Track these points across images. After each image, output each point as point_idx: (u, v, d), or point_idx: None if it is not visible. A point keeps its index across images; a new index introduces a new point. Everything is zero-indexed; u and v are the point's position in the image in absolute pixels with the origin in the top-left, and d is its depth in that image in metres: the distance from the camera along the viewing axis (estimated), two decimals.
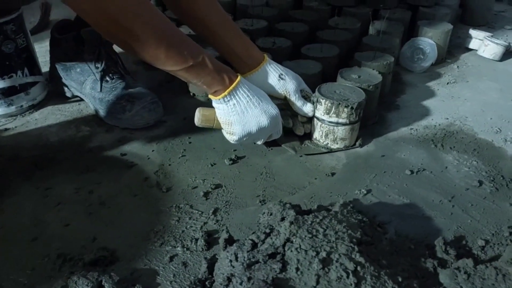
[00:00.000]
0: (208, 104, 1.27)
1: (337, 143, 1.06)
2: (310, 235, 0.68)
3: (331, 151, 1.06)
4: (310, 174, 1.00)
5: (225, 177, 0.97)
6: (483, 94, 1.34)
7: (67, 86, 1.18)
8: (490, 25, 1.81)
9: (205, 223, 0.85)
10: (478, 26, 1.75)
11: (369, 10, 1.53)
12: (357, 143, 1.08)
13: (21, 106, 1.15)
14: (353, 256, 0.66)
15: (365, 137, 1.10)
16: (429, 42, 1.42)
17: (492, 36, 1.56)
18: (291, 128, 1.08)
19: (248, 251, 0.67)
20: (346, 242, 0.68)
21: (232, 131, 0.93)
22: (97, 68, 1.10)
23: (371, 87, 1.09)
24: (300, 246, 0.66)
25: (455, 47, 1.60)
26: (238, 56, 1.00)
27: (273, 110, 0.94)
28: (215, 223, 0.85)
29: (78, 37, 1.08)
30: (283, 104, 1.06)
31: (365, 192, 0.94)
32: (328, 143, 1.06)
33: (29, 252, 0.77)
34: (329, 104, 1.01)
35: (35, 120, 1.15)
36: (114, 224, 0.84)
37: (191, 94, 1.26)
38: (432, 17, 1.53)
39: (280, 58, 1.18)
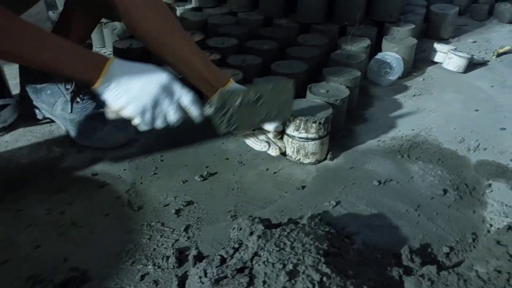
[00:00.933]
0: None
1: (308, 158, 1.08)
2: (277, 248, 0.70)
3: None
4: (281, 188, 1.02)
5: (196, 194, 0.98)
6: (447, 106, 1.39)
7: (38, 108, 1.18)
8: (453, 39, 1.88)
9: (176, 240, 0.85)
10: (441, 40, 1.82)
11: (336, 27, 1.58)
12: (328, 157, 1.11)
13: None
14: (319, 267, 0.67)
15: (335, 150, 1.13)
16: (395, 56, 1.47)
17: (455, 49, 1.63)
18: (266, 151, 1.09)
19: (217, 267, 0.69)
20: (313, 254, 0.70)
21: (129, 115, 0.86)
22: (67, 89, 1.11)
23: (338, 101, 1.13)
24: (267, 259, 0.68)
25: (420, 61, 1.66)
26: (206, 80, 1.02)
27: (161, 76, 0.87)
28: (186, 240, 0.86)
29: None
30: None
31: (334, 204, 0.97)
32: (300, 159, 1.09)
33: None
34: (298, 121, 1.04)
35: (5, 143, 1.14)
36: (86, 244, 0.84)
37: None
38: (397, 32, 1.59)
39: (250, 75, 1.22)
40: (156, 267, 0.79)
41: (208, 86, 1.03)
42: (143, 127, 0.89)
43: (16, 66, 1.23)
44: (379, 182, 1.04)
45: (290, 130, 1.06)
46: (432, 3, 1.92)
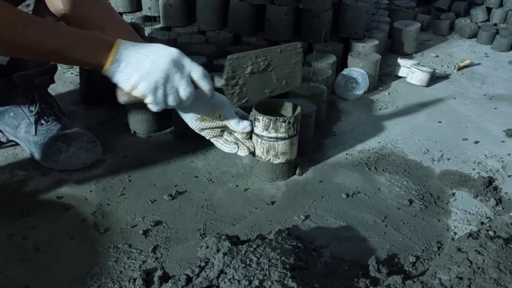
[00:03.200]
0: (148, 140, 1.27)
1: (278, 158, 1.07)
2: (243, 265, 0.69)
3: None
4: (251, 204, 1.02)
5: (165, 213, 0.97)
6: (411, 118, 1.43)
7: (1, 131, 1.15)
8: (417, 54, 1.94)
9: (144, 261, 0.84)
10: (406, 55, 1.88)
11: (304, 44, 1.61)
12: (297, 173, 1.12)
13: None
14: (285, 282, 0.67)
15: (304, 164, 1.15)
16: (360, 72, 1.51)
17: (418, 63, 1.68)
18: (236, 153, 1.07)
19: (182, 286, 0.68)
20: (279, 268, 0.70)
21: (141, 93, 0.85)
22: (31, 111, 1.09)
23: (305, 115, 1.14)
24: (233, 276, 0.67)
25: (386, 75, 1.71)
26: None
27: (169, 51, 0.86)
28: (154, 261, 0.84)
29: (10, 82, 1.07)
30: (221, 129, 1.07)
31: (303, 218, 0.97)
32: (270, 159, 1.07)
33: None
34: (267, 120, 1.02)
35: None
36: (49, 270, 0.82)
37: (132, 132, 1.27)
38: (363, 49, 1.63)
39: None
40: None
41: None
42: (155, 107, 0.88)
43: None
44: (347, 195, 1.05)
45: (259, 130, 1.04)
46: (395, 20, 1.99)
